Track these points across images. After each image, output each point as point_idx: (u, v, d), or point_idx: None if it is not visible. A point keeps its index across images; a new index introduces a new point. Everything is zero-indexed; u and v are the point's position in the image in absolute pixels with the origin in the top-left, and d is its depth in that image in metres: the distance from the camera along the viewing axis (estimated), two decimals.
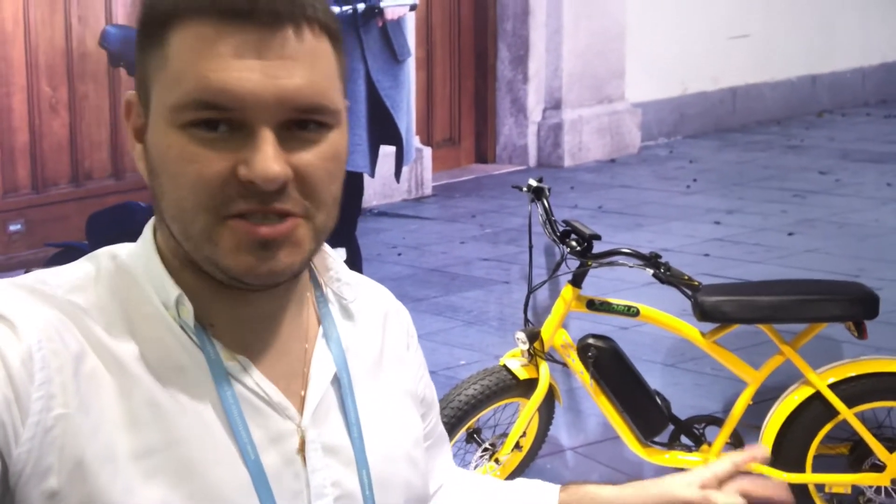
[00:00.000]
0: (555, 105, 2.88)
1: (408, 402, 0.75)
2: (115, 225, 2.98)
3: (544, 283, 2.31)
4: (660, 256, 2.13)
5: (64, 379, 0.59)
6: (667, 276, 2.09)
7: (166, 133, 0.60)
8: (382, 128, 2.75)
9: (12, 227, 3.42)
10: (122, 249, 0.67)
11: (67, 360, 0.60)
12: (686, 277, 2.11)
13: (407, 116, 2.74)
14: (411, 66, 2.79)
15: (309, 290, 0.70)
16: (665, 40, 2.77)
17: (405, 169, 2.80)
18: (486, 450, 2.38)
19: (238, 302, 0.65)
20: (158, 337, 0.64)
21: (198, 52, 0.58)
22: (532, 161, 2.90)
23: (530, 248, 2.28)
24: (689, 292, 2.12)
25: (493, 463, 2.38)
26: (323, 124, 0.61)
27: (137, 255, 0.66)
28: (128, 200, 3.10)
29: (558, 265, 2.26)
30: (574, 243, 2.20)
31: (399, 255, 2.94)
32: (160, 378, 0.63)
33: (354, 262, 2.78)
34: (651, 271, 2.11)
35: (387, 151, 2.81)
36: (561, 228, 2.26)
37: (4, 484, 0.58)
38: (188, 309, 0.63)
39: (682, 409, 2.37)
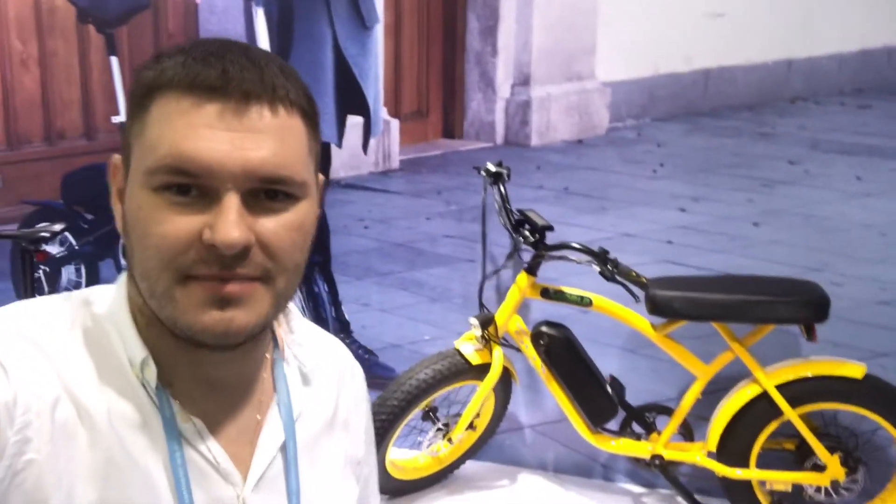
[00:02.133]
0: (523, 81, 2.80)
1: (348, 469, 0.78)
2: (89, 186, 2.99)
3: (496, 271, 2.30)
4: (608, 253, 2.10)
5: (41, 424, 0.61)
6: (612, 273, 2.07)
7: (140, 194, 0.64)
8: (350, 97, 2.68)
9: None
10: (96, 297, 0.70)
11: (46, 407, 0.62)
12: (634, 274, 2.08)
13: (375, 85, 2.68)
14: (379, 33, 2.71)
15: (269, 353, 0.73)
16: (638, 16, 2.66)
17: (372, 141, 2.74)
18: (439, 429, 2.42)
19: (199, 363, 0.68)
20: (122, 392, 0.66)
21: (173, 122, 0.63)
22: (499, 139, 2.84)
23: (483, 235, 2.26)
24: (636, 289, 2.10)
25: (446, 441, 2.42)
26: (290, 195, 0.65)
27: (109, 307, 0.69)
28: (101, 161, 3.09)
29: (511, 255, 2.24)
30: (527, 233, 2.18)
31: (366, 227, 2.92)
32: (119, 433, 0.65)
33: (322, 233, 2.77)
34: (598, 269, 2.09)
35: (354, 122, 2.75)
36: (516, 217, 2.23)
37: None
38: (152, 370, 0.66)
39: (639, 394, 2.39)
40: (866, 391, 2.06)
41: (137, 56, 3.08)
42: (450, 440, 2.40)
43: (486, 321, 2.27)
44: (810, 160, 2.57)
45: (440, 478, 2.48)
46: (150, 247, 0.63)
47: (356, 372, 0.82)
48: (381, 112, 2.78)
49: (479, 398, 2.33)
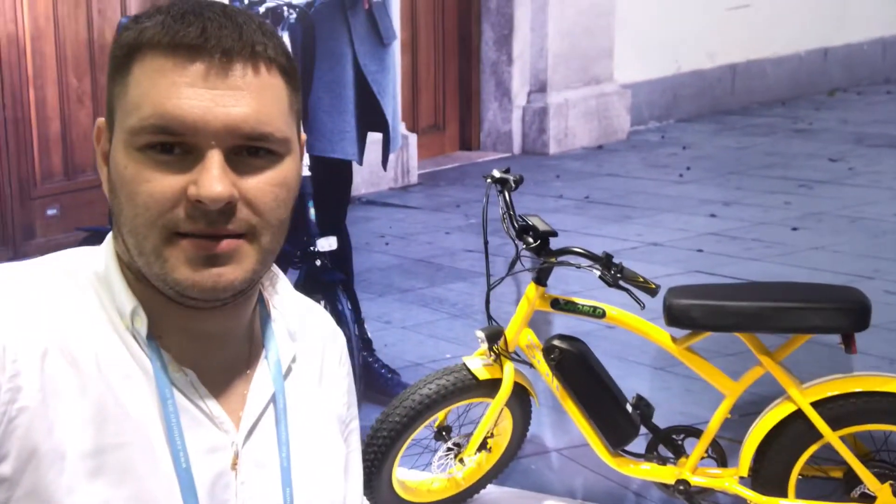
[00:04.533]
0: (540, 88, 2.70)
1: (335, 427, 0.80)
2: None
3: (500, 280, 2.19)
4: (612, 257, 1.95)
5: (31, 373, 0.63)
6: (615, 279, 1.92)
7: (125, 154, 0.65)
8: (369, 114, 2.68)
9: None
10: (84, 255, 0.71)
11: (35, 356, 0.64)
12: (641, 279, 1.92)
13: (393, 102, 2.66)
14: (396, 49, 2.70)
15: (256, 312, 0.75)
16: (656, 13, 2.53)
17: (391, 156, 2.73)
18: (450, 448, 2.30)
19: (187, 318, 0.69)
20: (113, 343, 0.67)
21: (155, 82, 0.64)
22: (517, 148, 2.75)
23: (485, 244, 2.15)
24: (645, 297, 1.94)
25: (458, 463, 2.30)
26: (272, 152, 0.66)
27: (97, 263, 0.70)
28: None
29: (513, 262, 2.13)
30: (530, 240, 2.07)
31: (386, 244, 2.89)
32: (111, 384, 0.66)
33: (345, 251, 2.75)
34: (598, 273, 1.94)
35: (373, 138, 2.74)
36: (519, 223, 2.13)
37: None
38: (142, 319, 0.68)
39: (671, 415, 2.20)
40: None
41: None
42: (461, 461, 2.28)
43: (495, 335, 2.15)
44: (854, 156, 2.33)
45: (457, 502, 2.35)
46: (139, 205, 0.64)
47: (338, 334, 0.84)
48: (400, 127, 2.76)
49: (490, 416, 2.20)
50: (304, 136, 0.72)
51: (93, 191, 3.56)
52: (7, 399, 0.62)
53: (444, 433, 2.30)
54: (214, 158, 0.63)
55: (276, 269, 0.77)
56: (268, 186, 0.65)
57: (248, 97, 0.64)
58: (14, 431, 0.62)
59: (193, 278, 0.64)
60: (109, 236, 0.72)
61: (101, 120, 0.70)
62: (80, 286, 0.69)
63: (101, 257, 0.71)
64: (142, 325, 0.68)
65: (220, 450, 0.69)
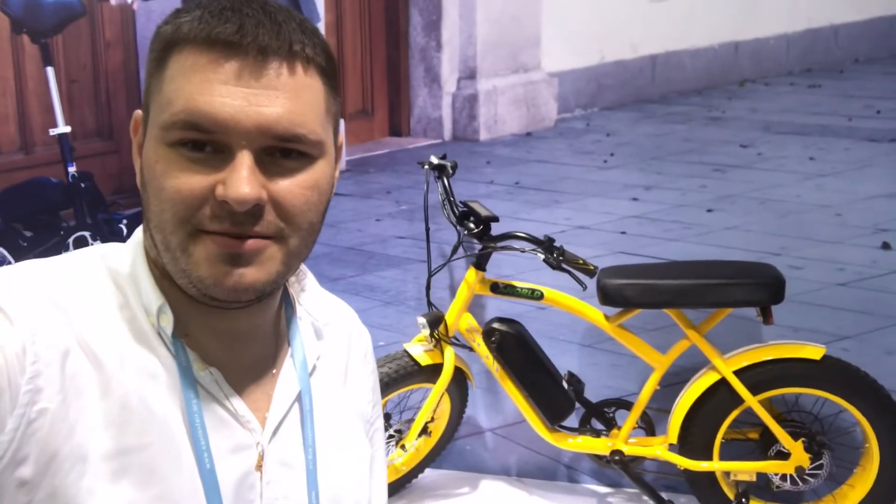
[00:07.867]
0: (469, 74, 2.74)
1: (360, 426, 0.79)
2: (27, 201, 2.90)
3: (442, 266, 2.22)
4: (553, 241, 2.03)
5: (51, 374, 0.61)
6: (558, 261, 1.99)
7: (156, 149, 0.64)
8: None
9: None
10: (112, 251, 0.70)
11: (56, 356, 0.62)
12: (581, 262, 2.01)
13: None
14: (321, 32, 2.64)
15: (282, 310, 0.74)
16: (582, 4, 2.62)
17: None
18: (391, 436, 2.32)
19: (213, 316, 0.68)
20: (137, 341, 0.66)
21: (189, 78, 0.63)
22: (447, 134, 2.78)
23: (427, 230, 2.18)
24: (585, 278, 2.03)
25: (399, 449, 2.32)
26: (305, 154, 0.65)
27: (125, 260, 0.69)
28: (38, 176, 3.00)
29: (455, 248, 2.16)
30: (472, 225, 2.11)
31: None
32: (135, 382, 0.65)
33: None
34: (542, 257, 2.01)
35: None
36: (460, 209, 2.16)
37: None
38: (168, 317, 0.67)
39: (600, 389, 2.31)
40: (825, 373, 2.00)
41: (73, 66, 2.99)
42: (403, 447, 2.30)
43: (436, 320, 2.18)
44: (762, 143, 2.52)
45: (397, 488, 2.38)
46: (166, 200, 0.63)
47: (363, 332, 0.83)
48: None
49: (432, 401, 2.24)
50: (341, 138, 0.72)
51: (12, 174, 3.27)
52: (26, 401, 0.60)
53: (384, 421, 2.31)
54: (244, 159, 0.62)
55: (303, 266, 0.76)
56: (298, 189, 0.65)
57: (282, 97, 0.63)
58: (34, 434, 0.60)
59: (216, 277, 0.64)
60: (138, 231, 0.70)
61: (138, 112, 0.69)
62: (104, 283, 0.68)
63: (128, 254, 0.70)
64: (167, 323, 0.67)
65: (245, 449, 0.69)
